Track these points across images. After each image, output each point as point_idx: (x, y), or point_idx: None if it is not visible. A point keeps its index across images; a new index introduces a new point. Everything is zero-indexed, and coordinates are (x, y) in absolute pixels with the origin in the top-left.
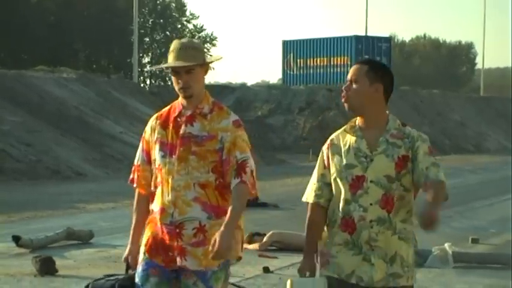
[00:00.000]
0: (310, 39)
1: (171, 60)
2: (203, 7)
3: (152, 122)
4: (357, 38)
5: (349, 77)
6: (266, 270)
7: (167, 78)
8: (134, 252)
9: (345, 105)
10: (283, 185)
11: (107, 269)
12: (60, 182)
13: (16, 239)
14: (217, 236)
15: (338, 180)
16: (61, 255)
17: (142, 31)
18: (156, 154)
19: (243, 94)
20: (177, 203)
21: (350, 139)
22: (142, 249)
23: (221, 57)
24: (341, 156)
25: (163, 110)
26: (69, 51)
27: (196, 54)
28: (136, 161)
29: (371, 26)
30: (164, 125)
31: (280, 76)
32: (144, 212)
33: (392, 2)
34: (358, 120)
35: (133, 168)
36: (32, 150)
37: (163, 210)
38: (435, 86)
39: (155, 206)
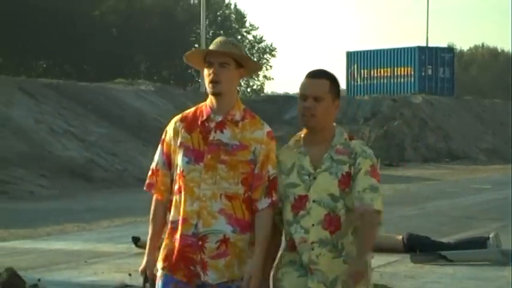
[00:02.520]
0: (373, 50)
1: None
2: (263, 18)
3: (175, 124)
4: (420, 49)
5: (308, 92)
6: None
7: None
8: (152, 264)
9: (309, 123)
10: None
11: None
12: None
13: (135, 240)
14: (249, 276)
15: (282, 200)
16: None
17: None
18: (179, 159)
19: None
20: (202, 214)
21: (294, 156)
22: (159, 264)
23: (261, 67)
24: (284, 174)
25: (187, 111)
26: (130, 63)
27: (234, 49)
28: (155, 164)
29: (430, 36)
30: (189, 129)
31: (342, 87)
32: (162, 221)
33: (451, 12)
34: (304, 135)
35: (150, 173)
36: (117, 159)
37: (185, 220)
38: (493, 95)
39: (175, 216)
